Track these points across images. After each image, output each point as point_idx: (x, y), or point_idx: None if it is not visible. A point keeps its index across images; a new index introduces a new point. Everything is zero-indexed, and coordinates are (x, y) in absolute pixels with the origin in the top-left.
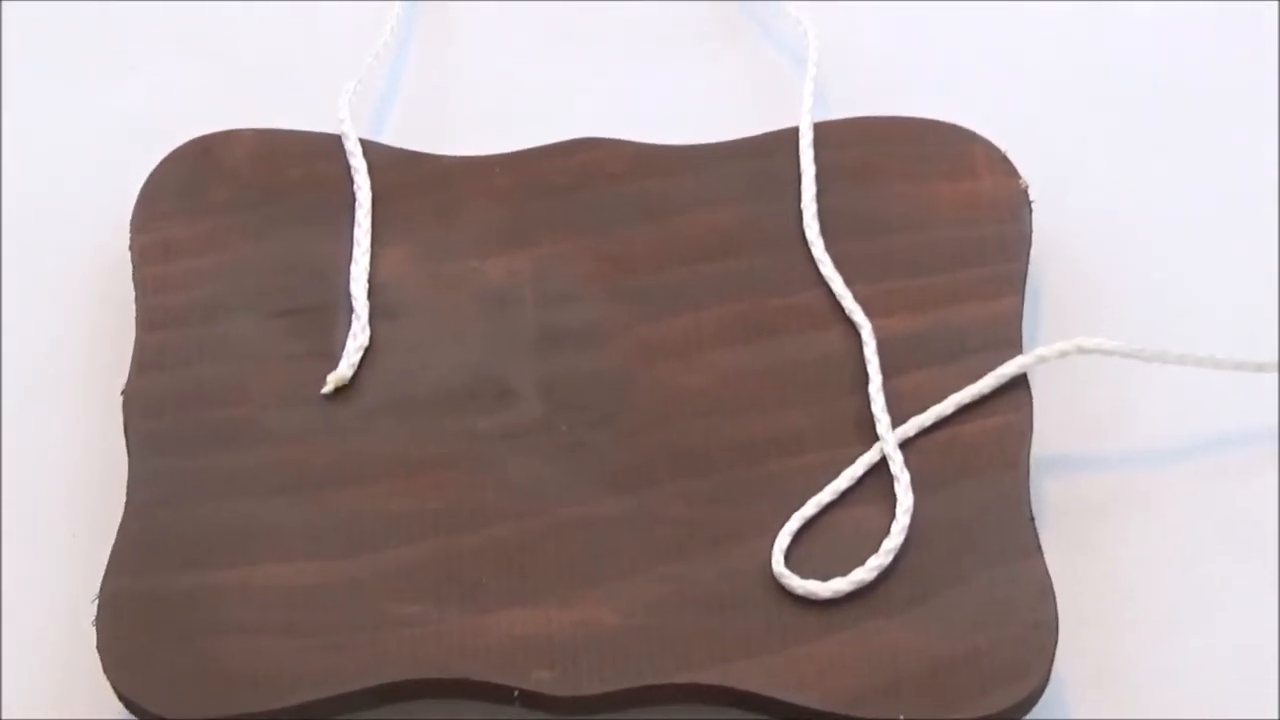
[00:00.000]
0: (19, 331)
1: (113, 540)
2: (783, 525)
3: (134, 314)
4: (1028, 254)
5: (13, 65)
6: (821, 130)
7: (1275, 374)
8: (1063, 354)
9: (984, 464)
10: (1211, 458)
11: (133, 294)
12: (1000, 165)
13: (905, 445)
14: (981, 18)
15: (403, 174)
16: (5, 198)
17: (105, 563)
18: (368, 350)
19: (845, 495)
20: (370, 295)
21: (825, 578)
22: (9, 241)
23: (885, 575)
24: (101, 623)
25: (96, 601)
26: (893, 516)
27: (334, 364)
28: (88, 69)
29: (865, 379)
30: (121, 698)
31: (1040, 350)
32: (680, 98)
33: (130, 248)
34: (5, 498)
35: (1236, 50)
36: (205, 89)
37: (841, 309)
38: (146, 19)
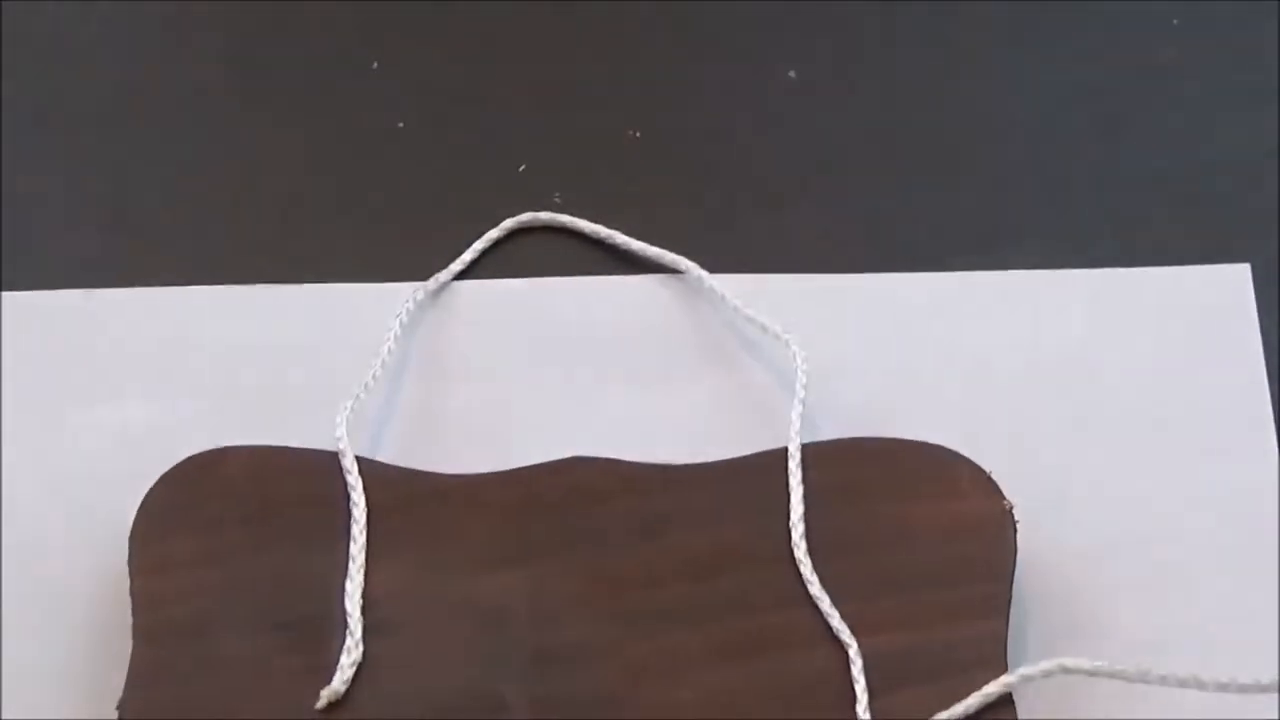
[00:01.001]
0: (17, 645)
1: None
2: None
3: (130, 628)
4: (1012, 574)
5: (13, 384)
6: (809, 451)
7: (1260, 695)
8: (1046, 674)
9: None
10: None
11: (130, 608)
12: (984, 486)
13: None
14: (966, 342)
15: (398, 491)
16: (5, 512)
17: None
18: (361, 666)
19: None
20: (364, 611)
21: None
22: (8, 556)
23: None
24: None
25: None
26: None
27: (327, 679)
28: (87, 389)
29: (853, 697)
30: None
31: (1024, 670)
32: (671, 418)
33: (129, 562)
34: None
35: (1221, 371)
36: (204, 407)
37: (829, 627)
38: (145, 341)
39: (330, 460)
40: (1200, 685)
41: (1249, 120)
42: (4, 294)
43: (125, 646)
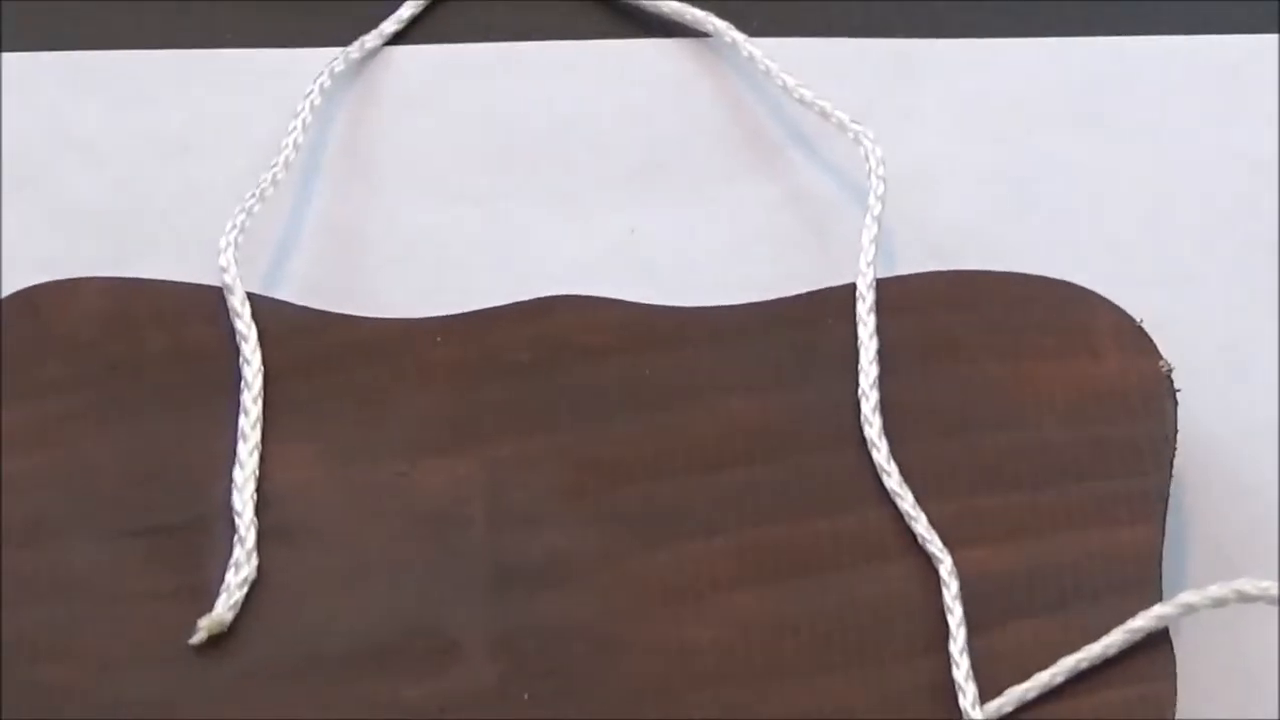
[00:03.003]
0: None
1: None
2: None
3: None
4: (1171, 462)
5: None
6: (885, 289)
7: None
8: (1218, 602)
9: None
10: None
11: None
12: (1131, 340)
13: None
14: (1108, 145)
15: (307, 342)
16: None
17: None
18: (254, 586)
19: None
20: (260, 510)
21: None
22: None
23: None
24: None
25: None
26: None
27: (208, 605)
28: None
29: (944, 633)
30: None
31: (1186, 597)
32: (689, 241)
33: None
34: None
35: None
36: (45, 217)
37: (912, 536)
38: None
39: (213, 298)
40: None
41: None
42: None
43: None
